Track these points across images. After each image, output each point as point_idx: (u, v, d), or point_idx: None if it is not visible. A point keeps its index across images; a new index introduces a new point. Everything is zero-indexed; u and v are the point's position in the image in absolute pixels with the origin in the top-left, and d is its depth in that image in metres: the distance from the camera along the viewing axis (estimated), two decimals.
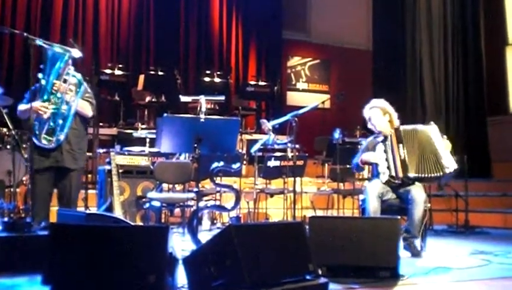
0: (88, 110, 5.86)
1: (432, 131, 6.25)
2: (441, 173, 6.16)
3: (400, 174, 6.15)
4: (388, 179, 6.18)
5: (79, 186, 6.05)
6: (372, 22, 13.74)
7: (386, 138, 6.31)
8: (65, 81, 5.61)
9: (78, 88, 5.70)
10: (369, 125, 6.53)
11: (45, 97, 5.55)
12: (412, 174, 6.12)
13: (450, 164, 6.14)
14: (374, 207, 6.02)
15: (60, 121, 5.58)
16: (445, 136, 6.29)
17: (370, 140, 6.56)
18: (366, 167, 7.20)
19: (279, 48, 15.50)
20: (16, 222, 5.24)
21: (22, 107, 5.76)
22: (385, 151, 6.26)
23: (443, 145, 6.18)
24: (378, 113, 6.38)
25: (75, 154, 5.76)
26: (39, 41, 5.45)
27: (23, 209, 6.87)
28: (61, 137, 5.59)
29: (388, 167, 6.20)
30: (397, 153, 6.19)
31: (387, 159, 6.23)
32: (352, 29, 15.74)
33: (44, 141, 5.54)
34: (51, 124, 5.56)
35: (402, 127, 6.33)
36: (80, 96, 5.70)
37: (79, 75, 5.75)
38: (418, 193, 6.04)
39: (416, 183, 6.21)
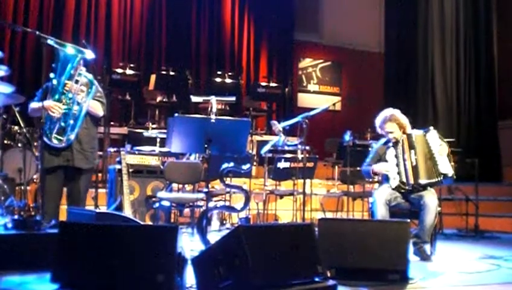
0: (99, 110, 5.88)
1: (429, 136, 6.23)
2: (438, 179, 6.15)
3: (411, 181, 6.12)
4: (398, 185, 6.17)
5: (88, 185, 6.08)
6: (384, 25, 13.72)
7: (397, 142, 6.29)
8: (77, 82, 5.64)
9: (89, 89, 5.72)
10: (380, 132, 6.51)
11: (56, 97, 5.58)
12: (423, 180, 6.11)
13: (446, 170, 6.14)
14: (381, 214, 6.01)
15: (71, 121, 5.61)
16: (443, 141, 6.25)
17: (380, 146, 6.55)
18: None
19: (291, 49, 15.48)
20: (26, 220, 5.26)
21: (33, 105, 5.79)
22: (396, 156, 6.23)
23: (440, 151, 6.16)
24: (395, 127, 6.33)
25: (86, 154, 5.79)
26: (51, 41, 5.47)
27: (34, 207, 6.88)
28: (72, 137, 5.62)
29: (399, 173, 6.18)
30: (408, 159, 6.17)
31: (397, 165, 6.20)
32: (364, 31, 15.70)
33: (55, 141, 5.56)
34: (62, 124, 5.59)
35: (412, 133, 6.31)
36: (91, 97, 5.73)
37: (90, 76, 5.77)
38: (430, 199, 6.00)
39: (429, 188, 6.18)
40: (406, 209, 6.21)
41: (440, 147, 6.16)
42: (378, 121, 6.47)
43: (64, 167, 5.73)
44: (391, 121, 6.36)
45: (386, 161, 6.30)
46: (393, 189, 6.17)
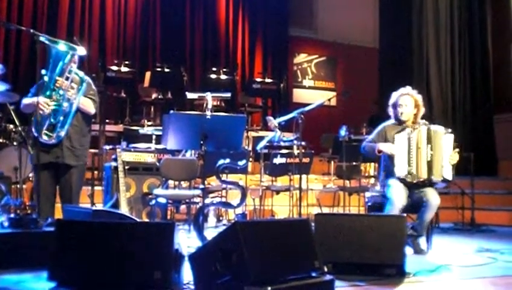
0: (90, 108, 5.88)
1: (445, 137, 6.12)
2: (439, 180, 6.11)
3: (425, 176, 6.03)
4: (406, 175, 6.03)
5: (80, 182, 6.07)
6: (379, 20, 13.71)
7: (412, 131, 6.11)
8: (67, 78, 5.64)
9: (80, 86, 5.73)
10: (391, 111, 6.35)
11: (47, 93, 5.59)
12: (435, 177, 6.04)
13: (448, 175, 6.08)
14: None
15: (61, 118, 5.61)
16: (457, 149, 6.14)
17: (390, 125, 6.34)
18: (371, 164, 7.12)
19: (286, 44, 15.48)
20: (22, 218, 5.25)
21: (25, 101, 5.82)
22: (409, 144, 6.06)
23: (451, 156, 6.07)
24: (411, 102, 6.23)
25: (76, 151, 5.80)
26: (43, 38, 5.47)
27: (30, 205, 6.87)
28: (62, 133, 5.63)
29: (409, 163, 6.05)
30: (425, 152, 6.02)
31: (409, 153, 6.05)
32: (359, 26, 15.70)
33: (44, 137, 5.57)
34: (52, 120, 5.59)
35: (432, 127, 6.17)
36: (81, 94, 5.73)
37: (81, 73, 5.79)
38: (433, 197, 5.92)
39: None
40: (408, 205, 6.06)
41: (452, 153, 6.08)
42: (393, 96, 6.33)
43: (55, 163, 5.73)
44: (409, 95, 6.26)
45: (393, 142, 6.13)
46: (400, 179, 6.04)
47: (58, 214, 5.92)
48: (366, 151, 6.46)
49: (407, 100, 6.24)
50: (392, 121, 6.39)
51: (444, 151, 6.09)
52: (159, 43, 13.78)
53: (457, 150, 6.15)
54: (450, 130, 6.27)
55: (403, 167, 6.06)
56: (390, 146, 6.12)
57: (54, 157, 5.70)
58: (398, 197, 5.93)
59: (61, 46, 5.55)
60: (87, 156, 6.11)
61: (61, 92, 5.61)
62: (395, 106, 6.30)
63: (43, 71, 5.56)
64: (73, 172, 5.82)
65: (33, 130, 5.62)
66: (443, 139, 6.12)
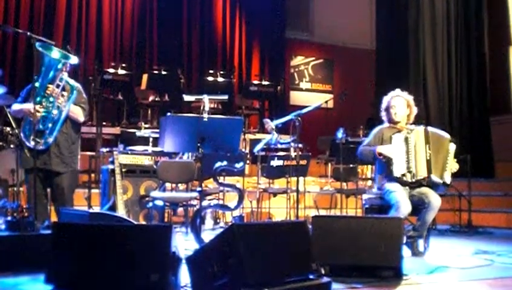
0: (80, 115, 5.91)
1: (451, 146, 6.18)
2: (441, 182, 6.11)
3: (425, 174, 6.03)
4: (404, 173, 6.03)
5: (73, 186, 6.08)
6: (376, 22, 13.74)
7: (409, 132, 6.12)
8: (58, 86, 5.66)
9: (70, 94, 5.75)
10: (384, 115, 6.40)
11: (38, 99, 5.61)
12: (434, 176, 6.03)
13: (448, 179, 6.12)
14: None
15: (50, 125, 5.66)
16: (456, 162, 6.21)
17: (386, 128, 6.37)
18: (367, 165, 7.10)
19: (283, 47, 15.50)
20: (19, 221, 5.25)
21: (15, 106, 5.86)
22: (407, 144, 6.06)
23: (451, 165, 6.13)
24: (403, 103, 6.29)
25: (63, 158, 5.82)
26: (38, 45, 5.46)
27: (27, 208, 6.86)
28: (50, 140, 5.66)
29: (408, 162, 6.04)
30: (424, 151, 6.04)
31: (408, 153, 6.05)
32: (356, 28, 15.73)
33: (32, 142, 5.59)
34: (40, 126, 5.61)
35: (430, 129, 6.21)
36: (71, 102, 5.75)
37: (72, 81, 5.82)
38: (435, 198, 5.94)
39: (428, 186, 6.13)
40: None
41: (454, 162, 6.16)
42: (385, 100, 6.39)
43: (43, 169, 5.74)
44: (400, 96, 6.32)
45: (390, 143, 6.14)
46: (397, 177, 6.02)
47: (54, 217, 5.92)
48: (363, 156, 6.44)
49: (399, 101, 6.31)
50: (387, 124, 6.42)
51: (448, 155, 6.14)
52: (156, 45, 13.78)
53: (455, 160, 6.20)
54: (453, 139, 6.33)
55: (401, 166, 6.06)
56: (389, 147, 6.11)
57: (42, 163, 5.72)
58: (404, 203, 5.87)
59: (55, 53, 5.58)
60: (77, 163, 6.11)
61: (51, 99, 5.65)
62: (387, 108, 6.37)
63: (35, 77, 5.56)
64: (63, 177, 5.84)
65: (21, 135, 5.65)
66: (450, 148, 6.17)
